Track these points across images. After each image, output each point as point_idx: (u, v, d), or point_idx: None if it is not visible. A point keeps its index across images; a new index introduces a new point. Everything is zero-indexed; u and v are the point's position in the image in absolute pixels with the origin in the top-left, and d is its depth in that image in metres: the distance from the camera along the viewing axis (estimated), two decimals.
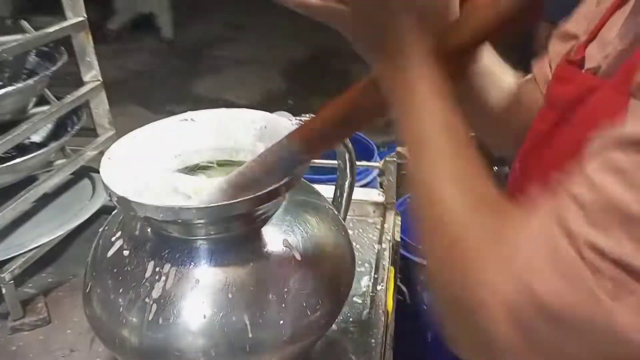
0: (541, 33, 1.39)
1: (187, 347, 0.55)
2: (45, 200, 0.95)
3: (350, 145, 0.72)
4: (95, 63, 0.95)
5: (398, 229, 1.00)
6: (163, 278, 0.56)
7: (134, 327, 0.57)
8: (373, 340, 0.75)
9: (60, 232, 0.86)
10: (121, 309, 0.57)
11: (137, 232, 0.62)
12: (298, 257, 0.59)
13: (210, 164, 0.70)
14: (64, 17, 0.90)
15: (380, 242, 0.96)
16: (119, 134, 0.98)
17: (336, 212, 0.72)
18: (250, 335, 0.56)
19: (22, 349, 0.78)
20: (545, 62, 0.57)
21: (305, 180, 0.74)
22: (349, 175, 0.75)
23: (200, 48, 4.44)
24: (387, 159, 0.98)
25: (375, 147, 1.61)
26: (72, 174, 0.96)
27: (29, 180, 0.87)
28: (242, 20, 4.73)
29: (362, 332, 0.77)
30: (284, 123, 0.64)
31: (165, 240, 0.59)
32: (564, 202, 0.32)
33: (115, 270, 0.59)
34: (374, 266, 0.90)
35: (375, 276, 0.87)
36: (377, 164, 1.09)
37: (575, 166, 0.32)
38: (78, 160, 0.92)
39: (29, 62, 0.93)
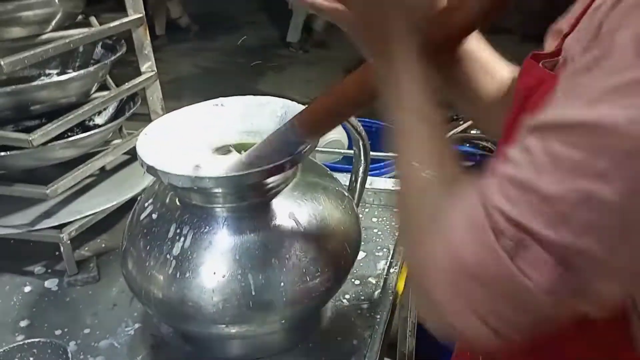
0: None
1: (200, 300, 0.63)
2: (103, 176, 1.08)
3: (364, 133, 0.78)
4: (151, 55, 1.06)
5: None
6: (182, 239, 0.65)
7: (157, 281, 0.65)
8: (379, 316, 0.80)
9: (114, 202, 0.98)
10: (147, 264, 0.66)
11: (165, 200, 0.71)
12: (301, 228, 0.66)
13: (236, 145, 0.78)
14: (126, 14, 1.02)
15: None
16: None
17: (348, 195, 0.77)
18: (253, 293, 0.63)
19: (74, 300, 0.90)
20: None
21: (322, 165, 0.81)
22: (362, 162, 0.80)
23: (268, 47, 4.61)
24: None
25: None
26: (127, 153, 1.08)
27: (90, 156, 1.00)
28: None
29: (371, 309, 0.82)
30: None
31: (186, 206, 0.67)
32: (489, 180, 0.36)
33: (145, 231, 0.69)
34: (391, 251, 0.94)
35: (391, 260, 0.92)
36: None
37: (505, 150, 0.37)
38: (132, 141, 1.03)
39: (95, 53, 1.05)
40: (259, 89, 3.59)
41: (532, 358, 0.45)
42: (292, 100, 0.75)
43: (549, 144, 0.33)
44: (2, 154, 0.87)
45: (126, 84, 1.01)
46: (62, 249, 0.90)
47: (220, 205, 0.66)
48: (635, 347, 0.42)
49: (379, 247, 0.96)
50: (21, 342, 0.69)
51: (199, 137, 0.76)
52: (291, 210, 0.67)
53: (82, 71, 0.89)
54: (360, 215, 0.79)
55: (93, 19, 1.01)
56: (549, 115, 0.34)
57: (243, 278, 0.63)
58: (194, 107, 0.78)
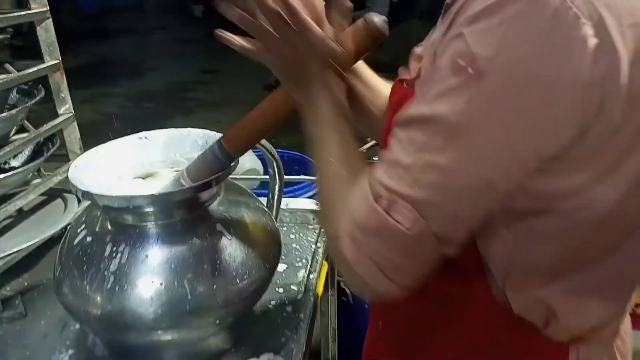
0: None
1: (140, 308, 0.69)
2: (22, 216, 1.09)
3: (277, 155, 0.90)
4: (69, 98, 1.11)
5: None
6: (119, 255, 0.71)
7: (96, 298, 0.71)
8: (302, 315, 0.89)
9: (36, 239, 1.00)
10: (85, 284, 0.72)
11: (97, 224, 0.77)
12: (228, 237, 0.75)
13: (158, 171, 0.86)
14: (42, 60, 1.07)
15: (316, 242, 1.12)
16: None
17: (267, 210, 0.88)
18: (189, 297, 0.70)
19: (1, 337, 0.90)
20: None
21: (243, 186, 0.91)
22: (277, 180, 0.91)
23: (173, 91, 4.64)
24: None
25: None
26: (45, 194, 1.11)
27: (7, 198, 1.02)
28: (213, 66, 4.96)
29: (295, 310, 0.92)
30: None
31: (120, 227, 0.74)
32: (376, 165, 0.50)
33: (80, 254, 0.74)
34: (310, 261, 1.05)
35: (310, 269, 1.03)
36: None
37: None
38: (52, 180, 1.07)
39: (11, 98, 1.09)
40: None
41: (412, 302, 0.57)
42: None
43: (407, 132, 0.48)
44: None
45: (44, 125, 1.06)
46: None
47: (152, 223, 0.73)
48: (486, 282, 0.56)
49: (298, 259, 1.07)
50: None
51: (126, 168, 0.83)
52: (218, 222, 0.76)
53: (3, 114, 0.93)
54: (281, 233, 0.90)
55: (8, 66, 1.04)
56: (406, 112, 0.49)
57: (179, 285, 0.70)
58: (120, 140, 0.85)
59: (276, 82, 0.65)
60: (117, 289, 0.70)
